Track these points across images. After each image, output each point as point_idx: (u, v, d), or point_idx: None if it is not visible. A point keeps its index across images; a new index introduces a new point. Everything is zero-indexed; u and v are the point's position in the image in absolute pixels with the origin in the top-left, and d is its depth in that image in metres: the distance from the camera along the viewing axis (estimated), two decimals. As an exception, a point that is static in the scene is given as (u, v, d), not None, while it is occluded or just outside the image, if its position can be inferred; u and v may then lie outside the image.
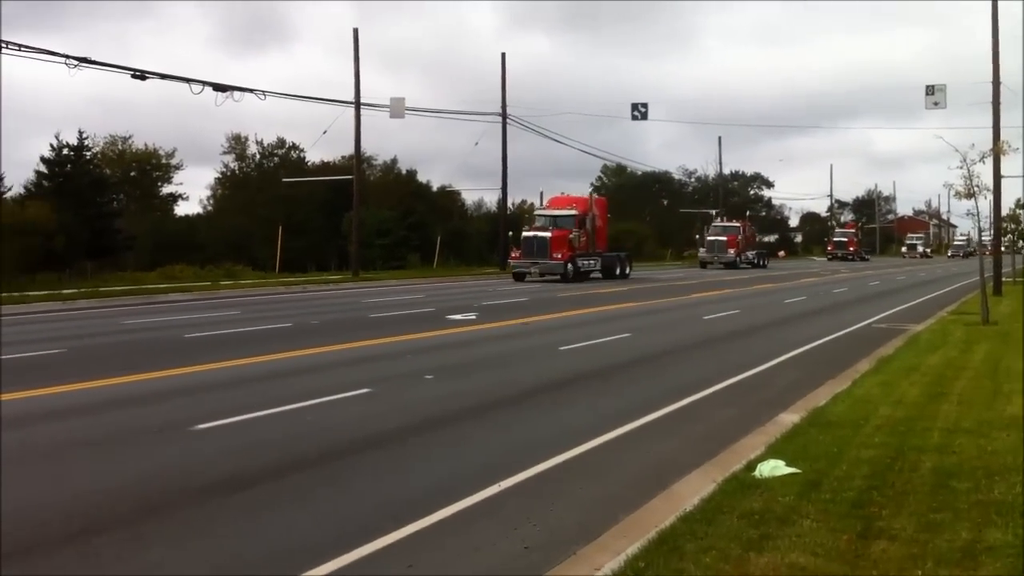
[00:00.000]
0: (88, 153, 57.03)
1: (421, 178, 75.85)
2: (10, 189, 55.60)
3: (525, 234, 45.41)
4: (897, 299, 33.93)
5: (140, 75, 30.81)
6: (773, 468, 7.94)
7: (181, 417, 10.64)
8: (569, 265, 43.78)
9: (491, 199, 75.94)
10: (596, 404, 11.96)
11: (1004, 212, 34.52)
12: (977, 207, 25.04)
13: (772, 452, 8.61)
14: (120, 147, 73.25)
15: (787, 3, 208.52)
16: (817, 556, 5.89)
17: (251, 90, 35.88)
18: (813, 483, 7.50)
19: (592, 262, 46.79)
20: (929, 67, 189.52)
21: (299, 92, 57.39)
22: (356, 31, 48.23)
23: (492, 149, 54.99)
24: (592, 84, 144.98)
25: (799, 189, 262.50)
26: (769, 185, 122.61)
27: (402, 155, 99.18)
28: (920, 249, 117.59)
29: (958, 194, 23.61)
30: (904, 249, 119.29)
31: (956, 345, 17.38)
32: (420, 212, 66.21)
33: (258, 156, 75.90)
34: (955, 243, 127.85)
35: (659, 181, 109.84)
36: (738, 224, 72.60)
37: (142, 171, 74.34)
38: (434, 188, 75.73)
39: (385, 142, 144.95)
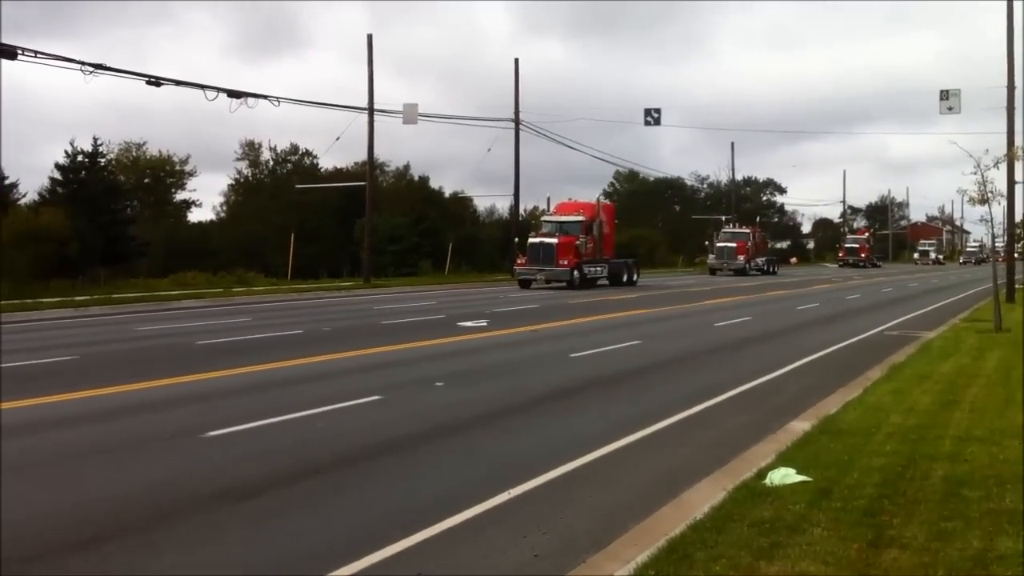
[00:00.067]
0: (102, 160, 57.34)
1: (433, 184, 76.00)
2: (24, 195, 56.08)
3: (531, 240, 44.99)
4: (910, 306, 33.80)
5: (155, 82, 30.89)
6: (784, 476, 7.91)
7: (193, 424, 10.68)
8: (575, 272, 43.43)
9: (503, 205, 75.94)
10: (606, 411, 11.95)
11: (1018, 218, 34.38)
12: (991, 213, 24.82)
13: (783, 460, 8.59)
14: (134, 154, 73.65)
15: (801, 8, 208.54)
16: (827, 565, 5.87)
17: (265, 96, 35.93)
18: (824, 491, 7.48)
19: (599, 269, 46.38)
20: (943, 71, 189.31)
21: (313, 98, 57.56)
22: (370, 37, 48.37)
23: (505, 155, 55.04)
24: (605, 89, 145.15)
25: (812, 195, 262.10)
26: (782, 191, 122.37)
27: (415, 161, 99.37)
28: (932, 255, 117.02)
29: (972, 200, 23.48)
30: (916, 255, 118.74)
31: (968, 352, 17.30)
32: (432, 218, 66.26)
33: (271, 162, 76.16)
34: (967, 249, 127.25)
35: (671, 187, 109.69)
36: (748, 230, 72.36)
37: (156, 178, 74.69)
38: (446, 194, 75.83)
39: (398, 148, 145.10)
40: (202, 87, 32.96)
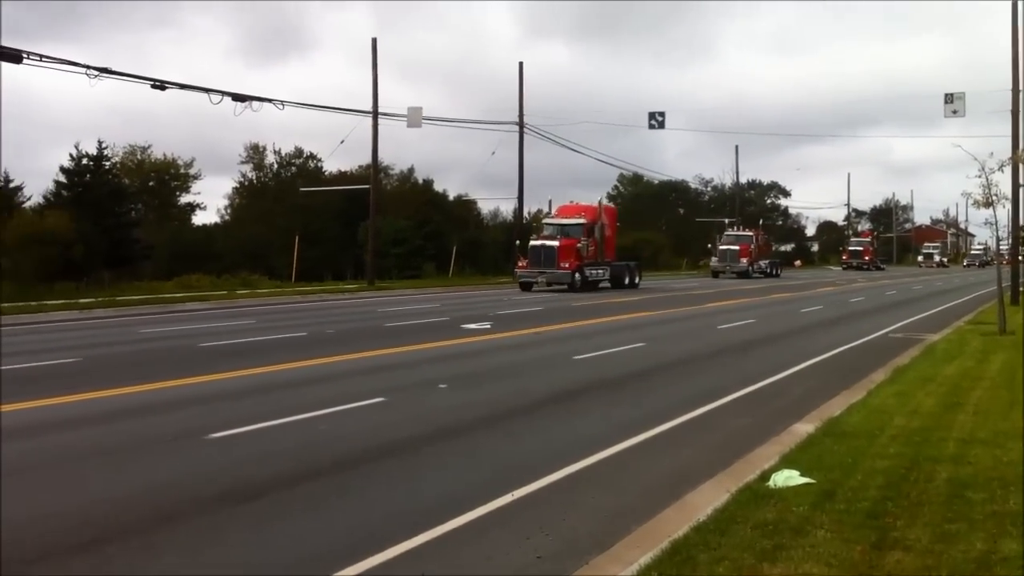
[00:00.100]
0: (107, 163, 57.39)
1: (437, 187, 75.97)
2: (29, 198, 56.20)
3: (532, 243, 44.85)
4: (914, 309, 33.77)
5: (160, 85, 30.92)
6: (787, 478, 7.90)
7: (195, 426, 10.69)
8: (577, 274, 43.23)
9: (507, 208, 75.96)
10: (610, 414, 11.94)
11: (1022, 221, 34.25)
12: (995, 216, 24.82)
13: (786, 462, 8.57)
14: (139, 157, 73.78)
15: (805, 11, 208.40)
16: (831, 567, 5.86)
17: (270, 100, 35.95)
18: (827, 493, 7.47)
19: (600, 271, 46.17)
20: (948, 75, 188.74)
21: (317, 102, 57.69)
22: (375, 40, 48.53)
23: (509, 158, 54.85)
24: (610, 93, 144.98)
25: (817, 198, 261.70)
26: (786, 194, 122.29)
27: (419, 164, 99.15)
28: (936, 258, 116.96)
29: (976, 203, 23.48)
30: (920, 258, 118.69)
31: (973, 355, 17.27)
32: (436, 221, 66.25)
33: (276, 166, 76.30)
34: (971, 252, 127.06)
35: (676, 190, 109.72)
36: (751, 233, 72.33)
37: (160, 181, 74.79)
38: (450, 197, 75.86)
39: (402, 151, 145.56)
40: (207, 91, 32.99)
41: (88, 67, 27.41)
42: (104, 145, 55.96)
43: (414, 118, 47.14)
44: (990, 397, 12.17)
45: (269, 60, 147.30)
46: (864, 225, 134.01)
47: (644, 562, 6.05)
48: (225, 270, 49.22)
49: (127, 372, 15.18)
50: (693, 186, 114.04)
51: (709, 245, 72.15)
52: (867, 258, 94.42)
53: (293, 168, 75.17)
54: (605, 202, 53.54)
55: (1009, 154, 28.15)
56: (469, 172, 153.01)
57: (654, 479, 8.67)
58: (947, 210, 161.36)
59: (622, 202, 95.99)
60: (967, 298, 40.59)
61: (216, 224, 75.45)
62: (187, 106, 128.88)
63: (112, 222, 52.24)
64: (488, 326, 23.85)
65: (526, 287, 43.62)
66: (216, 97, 33.02)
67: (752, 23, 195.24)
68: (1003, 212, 30.43)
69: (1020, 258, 35.46)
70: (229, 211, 77.72)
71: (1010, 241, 37.24)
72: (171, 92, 31.86)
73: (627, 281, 47.61)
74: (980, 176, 22.50)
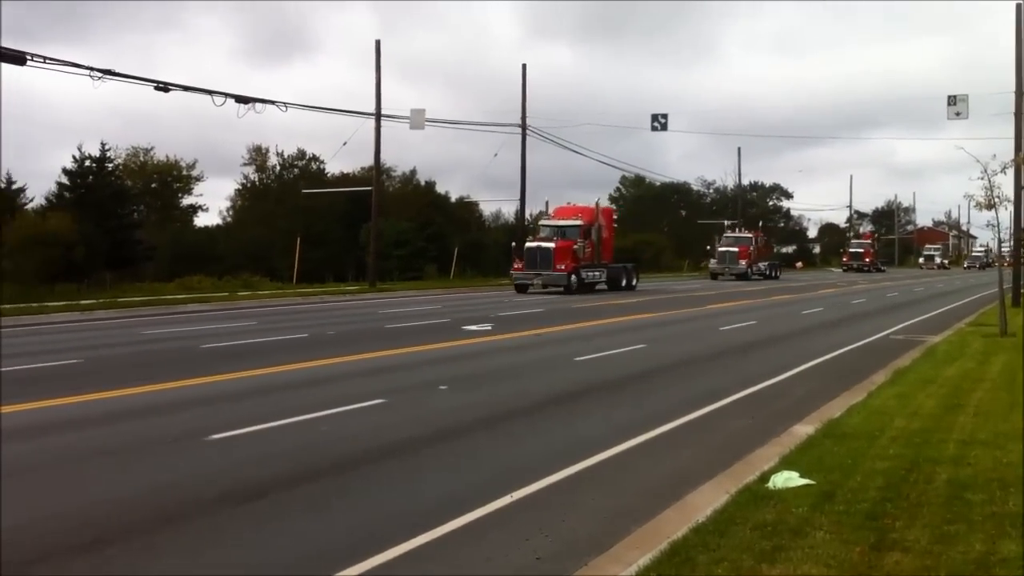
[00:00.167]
0: (110, 164, 57.51)
1: (440, 189, 76.03)
2: (32, 200, 56.31)
3: (528, 245, 44.46)
4: (915, 310, 33.77)
5: (163, 87, 30.95)
6: (787, 479, 7.91)
7: (197, 427, 10.70)
8: (573, 276, 42.90)
9: (509, 210, 75.94)
10: (610, 415, 11.94)
11: (1024, 223, 34.26)
12: (997, 218, 24.81)
13: (786, 463, 8.58)
14: (142, 159, 73.91)
15: (808, 13, 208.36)
16: (830, 568, 5.87)
17: (273, 102, 35.93)
18: (827, 494, 7.47)
19: (597, 273, 45.89)
20: (951, 77, 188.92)
21: (321, 104, 57.83)
22: (378, 43, 48.46)
23: (511, 160, 54.62)
24: (612, 95, 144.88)
25: (819, 200, 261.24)
26: (788, 196, 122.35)
27: (421, 166, 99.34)
28: (938, 260, 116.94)
29: (978, 205, 23.46)
30: (921, 260, 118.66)
31: (973, 357, 17.27)
32: (438, 223, 66.29)
33: (278, 167, 76.37)
34: (972, 254, 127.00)
35: (678, 192, 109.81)
36: (750, 235, 72.21)
37: (163, 182, 74.89)
38: (452, 199, 75.93)
39: (404, 153, 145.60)
40: (210, 92, 33.01)
41: (92, 69, 27.45)
42: (107, 147, 56.21)
43: (417, 120, 47.13)
44: (990, 399, 12.18)
45: (273, 62, 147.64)
46: (866, 227, 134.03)
47: (643, 563, 6.06)
48: (227, 272, 49.23)
49: (128, 373, 15.20)
50: (695, 188, 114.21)
51: (708, 247, 72.07)
52: (867, 260, 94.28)
53: (296, 170, 75.22)
54: (603, 203, 53.44)
55: (1012, 156, 28.18)
56: (471, 174, 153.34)
57: (654, 480, 8.67)
58: (949, 212, 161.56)
59: (624, 204, 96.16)
60: (968, 300, 40.58)
61: (218, 226, 75.65)
62: (190, 108, 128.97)
63: (114, 224, 52.38)
64: (489, 328, 23.87)
65: (521, 289, 43.34)
66: (219, 99, 33.04)
67: (755, 24, 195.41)
68: (1005, 214, 30.40)
69: (1021, 260, 35.44)
70: (231, 213, 77.88)
71: (1011, 243, 37.21)
72: (174, 94, 31.85)
73: (624, 283, 47.37)
74: (983, 178, 22.51)
